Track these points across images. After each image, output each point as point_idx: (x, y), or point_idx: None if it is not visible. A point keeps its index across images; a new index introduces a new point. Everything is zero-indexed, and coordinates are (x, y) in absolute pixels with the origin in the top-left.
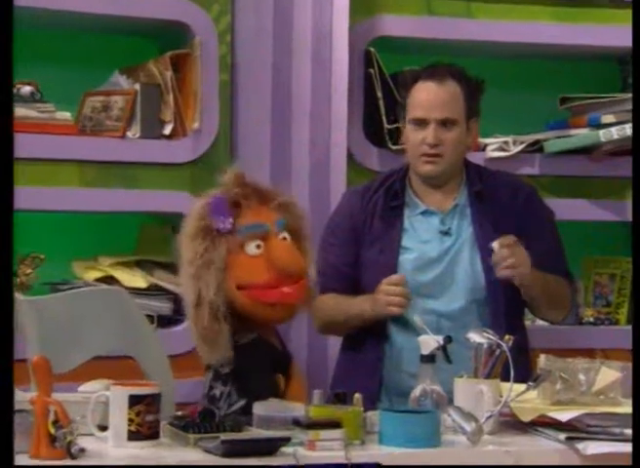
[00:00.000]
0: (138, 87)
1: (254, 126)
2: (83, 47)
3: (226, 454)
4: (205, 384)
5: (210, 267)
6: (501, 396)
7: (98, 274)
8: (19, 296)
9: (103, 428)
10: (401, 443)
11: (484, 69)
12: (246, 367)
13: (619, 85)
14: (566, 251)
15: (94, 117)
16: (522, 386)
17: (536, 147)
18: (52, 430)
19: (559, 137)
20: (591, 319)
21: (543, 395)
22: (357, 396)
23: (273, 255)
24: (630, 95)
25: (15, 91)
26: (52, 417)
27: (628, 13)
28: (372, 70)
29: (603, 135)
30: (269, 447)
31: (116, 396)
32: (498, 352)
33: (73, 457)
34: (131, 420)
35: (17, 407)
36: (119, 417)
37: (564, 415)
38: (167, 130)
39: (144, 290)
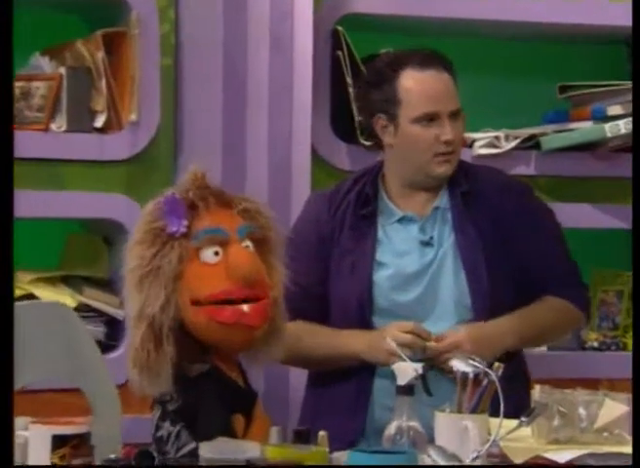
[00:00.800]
0: (63, 71)
1: (202, 118)
2: None
3: None
4: (152, 423)
5: (158, 276)
6: (490, 433)
7: (15, 292)
8: None
9: None
10: None
11: (470, 52)
12: (196, 403)
13: (626, 71)
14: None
15: None
16: (513, 422)
17: (531, 143)
18: None
19: (558, 132)
20: (595, 343)
21: (538, 432)
22: (322, 434)
23: (231, 262)
24: None
25: None
26: None
27: None
28: (340, 53)
29: (609, 129)
30: None
31: (36, 436)
32: (485, 382)
33: None
34: (54, 466)
35: None
36: (40, 462)
37: (562, 456)
38: (99, 122)
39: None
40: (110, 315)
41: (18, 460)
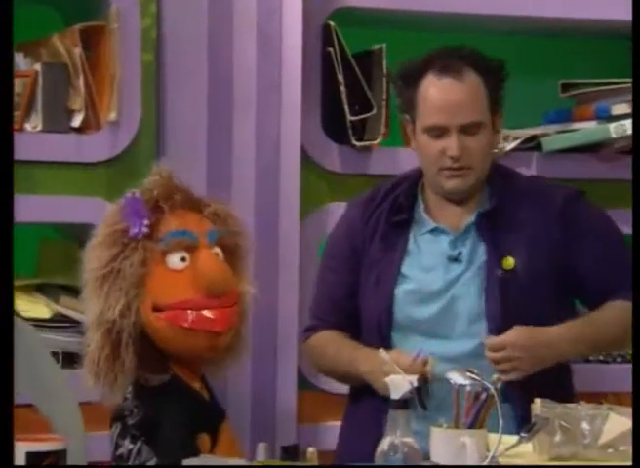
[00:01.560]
0: (38, 67)
1: (186, 118)
2: None
3: None
4: (111, 440)
5: (118, 279)
6: (489, 450)
7: None
8: None
9: None
10: None
11: None
12: (158, 415)
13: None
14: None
15: None
16: (513, 438)
17: (532, 144)
18: None
19: (560, 132)
20: (600, 355)
21: (540, 448)
22: (311, 450)
23: (200, 269)
24: None
25: None
26: None
27: None
28: (331, 49)
29: (614, 129)
30: None
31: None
32: (484, 396)
33: None
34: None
35: None
36: None
37: None
38: (76, 121)
39: (48, 320)
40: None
41: None
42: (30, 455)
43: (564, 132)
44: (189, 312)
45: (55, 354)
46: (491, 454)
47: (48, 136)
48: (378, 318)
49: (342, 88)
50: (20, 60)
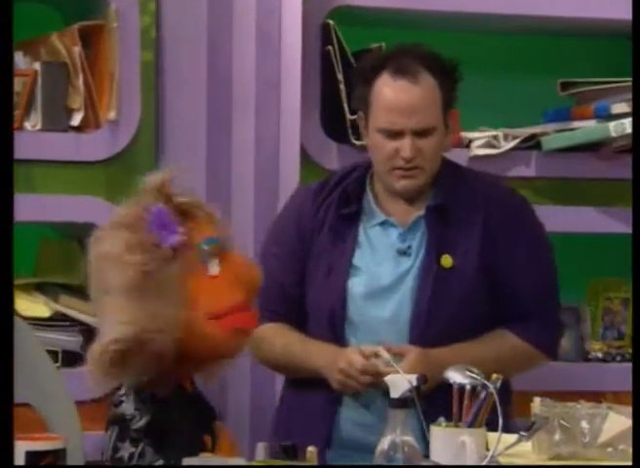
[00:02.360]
0: (38, 66)
1: (185, 116)
2: None
3: None
4: (107, 443)
5: (158, 291)
6: (488, 448)
7: None
8: None
9: None
10: None
11: (467, 47)
12: (164, 420)
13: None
14: (558, 284)
15: None
16: (513, 437)
17: (531, 143)
18: None
19: (560, 131)
20: (599, 354)
21: (539, 447)
22: (311, 449)
23: (242, 270)
24: None
25: None
26: None
27: None
28: (330, 48)
29: (613, 128)
30: None
31: None
32: (483, 395)
33: None
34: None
35: None
36: None
37: None
38: (75, 120)
39: (47, 319)
40: (87, 324)
41: None
42: (30, 454)
43: (563, 131)
44: (240, 314)
45: (54, 353)
46: (490, 453)
47: (47, 135)
48: (330, 311)
49: (342, 87)
50: (20, 59)
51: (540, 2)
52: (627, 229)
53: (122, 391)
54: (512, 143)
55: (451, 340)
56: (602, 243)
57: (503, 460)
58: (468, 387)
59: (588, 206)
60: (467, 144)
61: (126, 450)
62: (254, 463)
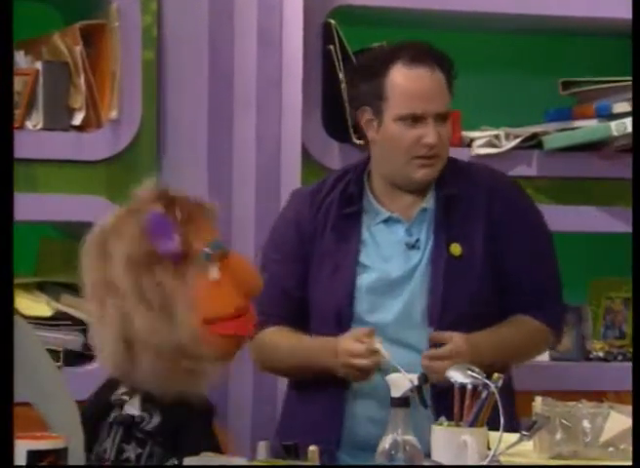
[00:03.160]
0: (39, 66)
1: (186, 116)
2: None
3: None
4: (110, 445)
5: (163, 298)
6: (489, 448)
7: None
8: None
9: None
10: None
11: (468, 46)
12: (177, 421)
13: None
14: (560, 270)
15: None
16: (514, 436)
17: (533, 142)
18: None
19: (561, 131)
20: (601, 354)
21: (540, 447)
22: (312, 449)
23: (244, 274)
24: None
25: None
26: None
27: None
28: (332, 47)
29: (615, 127)
30: None
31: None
32: (484, 394)
33: None
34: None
35: None
36: None
37: None
38: (77, 119)
39: (49, 319)
40: (88, 324)
41: None
42: (31, 454)
43: (565, 130)
44: (236, 319)
45: (56, 352)
46: (491, 453)
47: (48, 134)
48: (336, 309)
49: (343, 86)
50: (21, 59)
51: (541, 2)
52: (629, 228)
53: (121, 390)
54: (514, 143)
55: (463, 328)
56: (603, 242)
57: (504, 460)
58: (470, 387)
59: (590, 205)
60: (469, 144)
61: (132, 452)
62: (255, 463)
